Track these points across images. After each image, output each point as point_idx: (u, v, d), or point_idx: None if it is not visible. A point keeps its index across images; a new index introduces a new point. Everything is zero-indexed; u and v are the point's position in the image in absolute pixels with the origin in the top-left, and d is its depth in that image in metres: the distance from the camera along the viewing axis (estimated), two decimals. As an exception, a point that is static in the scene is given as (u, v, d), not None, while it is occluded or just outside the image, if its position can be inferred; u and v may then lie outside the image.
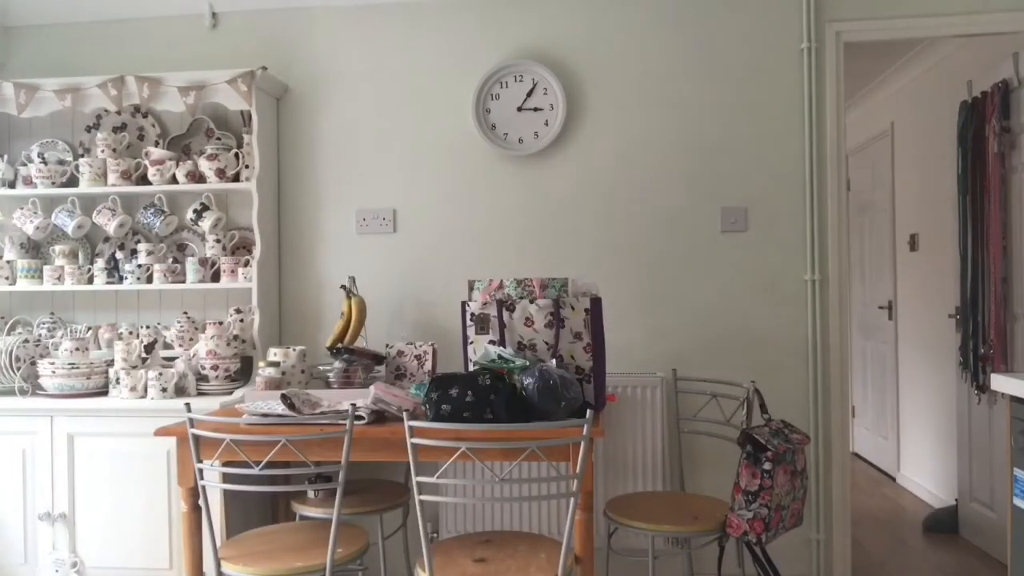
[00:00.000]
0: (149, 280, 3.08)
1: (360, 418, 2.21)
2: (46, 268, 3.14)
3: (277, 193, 3.24)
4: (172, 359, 2.97)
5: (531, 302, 2.48)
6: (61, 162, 3.26)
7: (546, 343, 2.45)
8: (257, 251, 3.04)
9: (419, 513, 1.94)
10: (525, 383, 2.20)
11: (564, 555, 1.94)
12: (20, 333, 3.13)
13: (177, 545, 2.65)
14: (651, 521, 2.40)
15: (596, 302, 2.49)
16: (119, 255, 3.18)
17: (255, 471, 2.00)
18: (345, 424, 2.03)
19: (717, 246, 3.05)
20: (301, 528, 2.36)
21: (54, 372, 2.82)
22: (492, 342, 2.51)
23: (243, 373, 3.00)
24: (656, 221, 3.07)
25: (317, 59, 3.25)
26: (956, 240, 3.70)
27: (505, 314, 2.48)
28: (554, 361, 2.37)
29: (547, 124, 3.09)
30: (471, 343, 2.54)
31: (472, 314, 2.51)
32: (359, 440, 2.11)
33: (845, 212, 3.06)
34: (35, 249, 3.31)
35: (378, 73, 3.22)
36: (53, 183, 3.16)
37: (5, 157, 3.27)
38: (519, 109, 3.10)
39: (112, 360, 2.94)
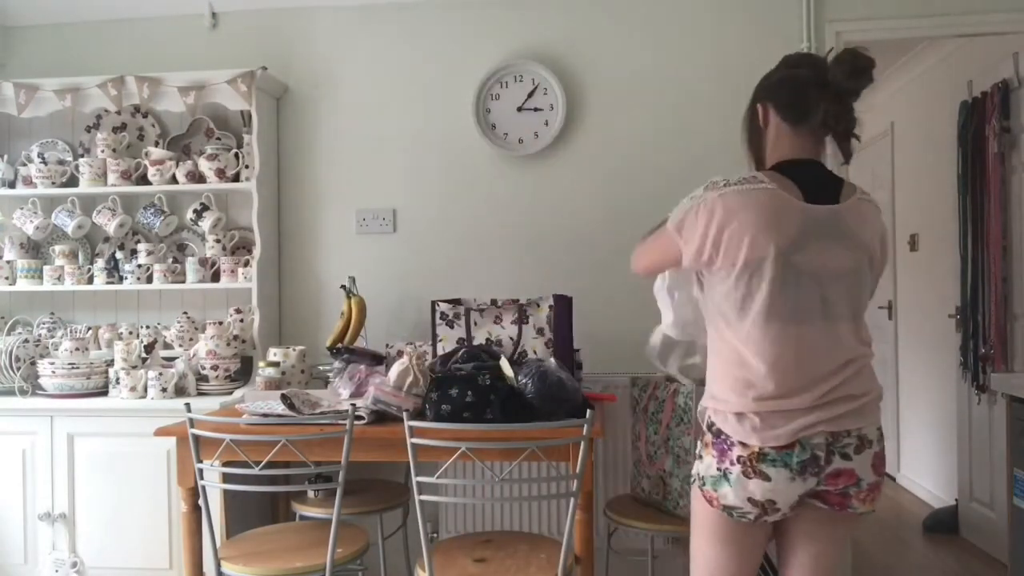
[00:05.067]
0: (149, 280, 3.08)
1: (360, 418, 2.21)
2: (46, 268, 3.14)
3: (277, 193, 3.24)
4: (172, 359, 2.97)
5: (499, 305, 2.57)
6: (61, 162, 3.26)
7: (511, 338, 2.55)
8: (257, 251, 3.04)
9: (419, 513, 1.93)
10: (525, 383, 2.21)
11: (564, 555, 1.94)
12: (20, 333, 3.13)
13: (177, 545, 2.65)
14: (651, 521, 2.40)
15: (560, 300, 2.57)
16: (119, 255, 3.18)
17: (255, 471, 2.00)
18: (345, 424, 2.03)
19: (717, 246, 3.04)
20: (301, 528, 2.36)
21: (54, 372, 2.82)
22: (460, 339, 2.55)
23: (243, 373, 3.00)
24: (657, 220, 3.06)
25: (317, 59, 3.24)
26: (956, 240, 3.70)
27: (475, 313, 2.58)
28: (553, 361, 2.37)
29: (547, 124, 3.09)
30: (440, 340, 2.57)
31: (443, 313, 2.57)
32: (359, 440, 2.11)
33: (845, 212, 3.06)
34: (35, 249, 3.31)
35: (378, 73, 3.22)
36: (53, 183, 3.16)
37: (5, 157, 3.27)
38: (519, 109, 3.10)
39: (112, 360, 2.94)
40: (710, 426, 1.61)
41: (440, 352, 2.56)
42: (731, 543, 1.61)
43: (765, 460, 1.52)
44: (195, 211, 3.12)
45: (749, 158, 1.83)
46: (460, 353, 2.35)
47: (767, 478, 1.52)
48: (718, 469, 1.57)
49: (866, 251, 1.60)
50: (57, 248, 3.21)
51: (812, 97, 1.61)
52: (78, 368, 2.85)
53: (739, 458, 1.53)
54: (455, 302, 2.64)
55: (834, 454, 1.52)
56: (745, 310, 1.56)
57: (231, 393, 2.86)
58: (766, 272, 1.54)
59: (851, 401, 1.54)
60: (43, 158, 3.27)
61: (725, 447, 1.56)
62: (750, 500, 1.54)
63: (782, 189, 1.57)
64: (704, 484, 1.60)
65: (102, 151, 3.14)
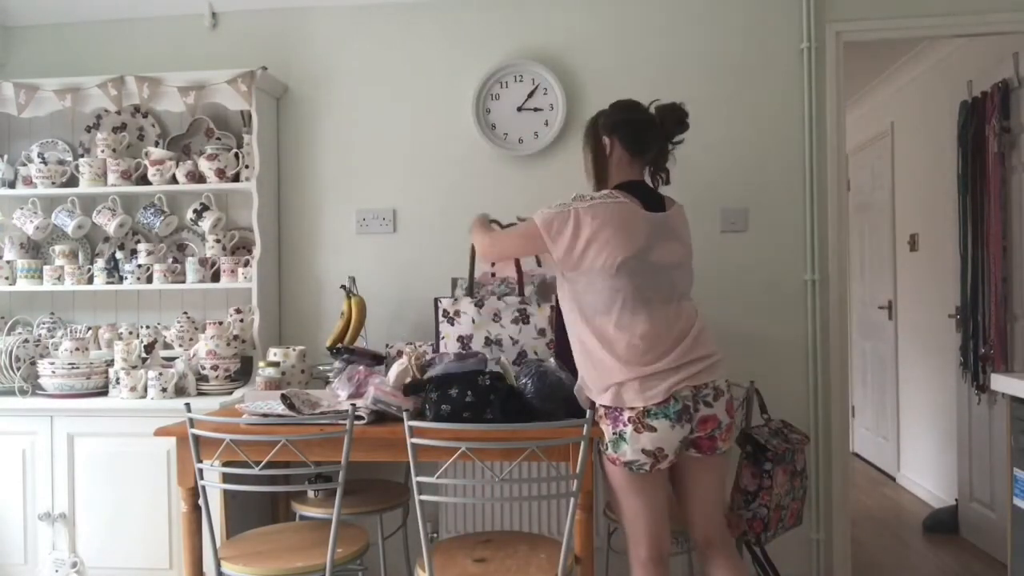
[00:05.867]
0: (149, 280, 3.08)
1: (360, 418, 2.21)
2: (46, 268, 3.14)
3: (277, 193, 3.24)
4: (172, 359, 2.97)
5: (499, 298, 2.59)
6: (61, 162, 3.26)
7: (511, 338, 2.55)
8: (257, 251, 3.04)
9: (419, 513, 1.94)
10: (525, 383, 2.21)
11: (564, 555, 1.94)
12: (20, 333, 3.13)
13: (177, 545, 2.65)
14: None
15: None
16: (119, 255, 3.18)
17: (255, 471, 2.00)
18: (345, 424, 2.03)
19: (717, 246, 3.05)
20: (301, 528, 2.36)
21: (54, 372, 2.82)
22: (461, 338, 2.54)
23: (243, 373, 3.00)
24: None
25: (317, 59, 3.25)
26: (956, 240, 3.70)
27: (474, 310, 2.58)
28: (553, 360, 2.37)
29: (547, 124, 3.09)
30: (443, 338, 2.59)
31: (444, 311, 2.56)
32: (359, 440, 2.11)
33: (845, 212, 3.06)
34: (35, 249, 3.31)
35: (378, 73, 3.22)
36: (53, 183, 3.16)
37: (5, 157, 3.27)
38: (519, 109, 3.10)
39: (112, 360, 2.94)
40: (594, 404, 2.02)
41: (442, 349, 2.56)
42: (639, 492, 2.00)
43: (649, 415, 1.92)
44: (195, 211, 3.12)
45: (590, 177, 2.21)
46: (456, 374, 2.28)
47: (654, 430, 1.92)
48: (614, 433, 1.96)
49: (687, 245, 2.12)
50: (57, 248, 3.21)
51: (650, 137, 2.13)
52: (78, 368, 2.85)
53: (629, 419, 1.94)
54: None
55: (699, 403, 1.95)
56: (616, 300, 1.97)
57: (231, 393, 2.86)
58: (630, 267, 1.96)
59: (703, 360, 1.98)
60: (43, 158, 3.27)
61: (616, 414, 1.95)
62: (643, 451, 1.93)
63: (630, 202, 2.02)
64: (606, 449, 1.99)
65: (102, 151, 3.14)
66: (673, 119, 2.15)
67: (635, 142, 2.12)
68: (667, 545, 2.07)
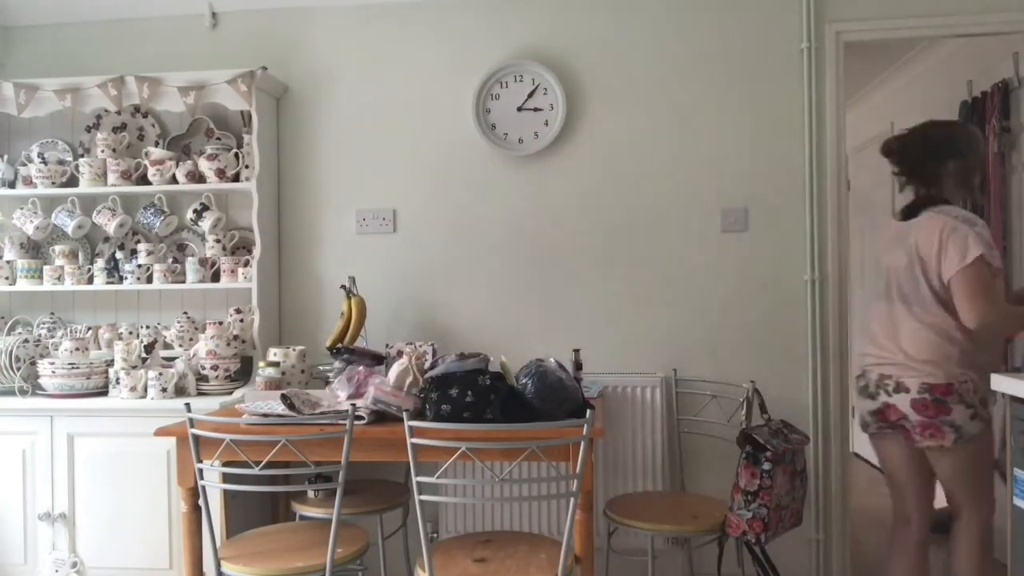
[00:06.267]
0: (149, 280, 3.08)
1: (360, 418, 2.21)
2: (46, 268, 3.14)
3: (277, 193, 3.24)
4: (172, 359, 2.97)
5: None
6: (61, 162, 3.26)
7: None
8: (257, 251, 3.04)
9: (419, 513, 1.94)
10: (525, 383, 2.21)
11: (564, 555, 1.95)
12: (20, 333, 3.13)
13: (177, 545, 2.65)
14: (651, 521, 2.40)
15: None
16: (119, 255, 3.18)
17: (255, 471, 2.00)
18: (345, 424, 2.03)
19: (717, 246, 3.05)
20: (301, 528, 2.36)
21: (54, 372, 2.82)
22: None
23: (243, 373, 3.00)
24: (656, 221, 3.07)
25: (317, 59, 3.25)
26: (956, 240, 3.69)
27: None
28: (553, 360, 2.37)
29: (547, 124, 3.09)
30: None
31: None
32: (359, 440, 2.11)
33: (845, 212, 3.06)
34: (35, 249, 3.31)
35: (378, 73, 3.22)
36: (53, 183, 3.16)
37: (5, 157, 3.27)
38: (519, 109, 3.10)
39: (112, 360, 2.94)
40: None
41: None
42: (877, 450, 2.44)
43: (857, 383, 2.41)
44: (195, 211, 3.12)
45: None
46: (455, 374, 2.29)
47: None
48: None
49: (912, 252, 2.27)
50: (57, 248, 3.21)
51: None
52: (78, 368, 2.85)
53: None
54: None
55: (879, 389, 2.29)
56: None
57: (231, 393, 2.86)
58: (871, 267, 2.38)
59: (891, 356, 2.29)
60: (43, 158, 3.27)
61: None
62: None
63: (894, 215, 2.45)
64: None
65: (102, 151, 3.14)
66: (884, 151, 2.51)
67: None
68: (907, 509, 2.45)
